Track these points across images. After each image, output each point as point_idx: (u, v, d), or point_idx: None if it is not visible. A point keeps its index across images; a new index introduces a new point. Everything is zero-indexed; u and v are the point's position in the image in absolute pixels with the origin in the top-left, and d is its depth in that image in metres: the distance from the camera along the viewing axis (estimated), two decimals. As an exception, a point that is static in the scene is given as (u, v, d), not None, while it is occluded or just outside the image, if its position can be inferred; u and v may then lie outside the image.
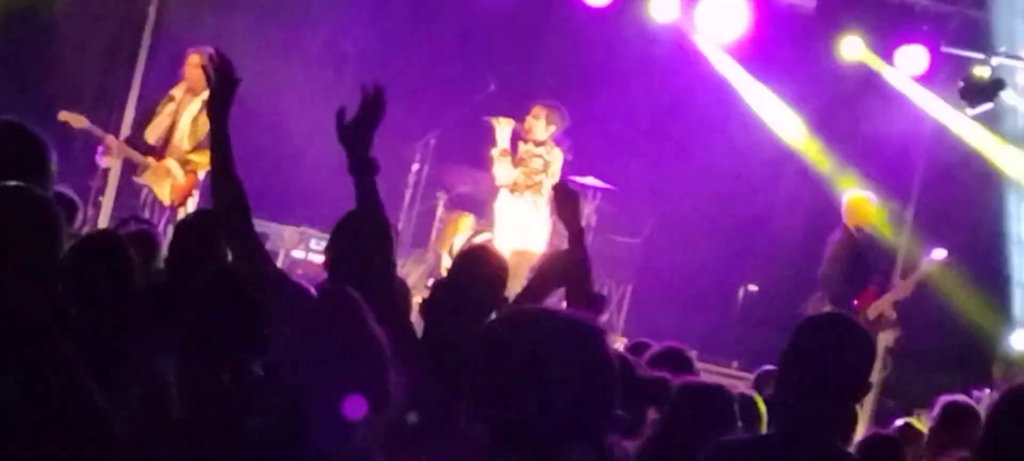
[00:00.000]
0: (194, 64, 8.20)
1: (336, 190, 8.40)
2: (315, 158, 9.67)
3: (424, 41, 10.34)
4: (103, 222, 8.81)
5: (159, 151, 8.48)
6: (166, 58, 10.09)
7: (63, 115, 8.86)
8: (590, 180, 9.37)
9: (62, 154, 9.54)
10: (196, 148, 8.44)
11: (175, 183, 8.35)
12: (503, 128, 8.62)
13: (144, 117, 8.82)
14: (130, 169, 9.04)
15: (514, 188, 8.66)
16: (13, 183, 2.60)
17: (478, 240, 8.58)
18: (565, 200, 3.98)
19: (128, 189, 9.17)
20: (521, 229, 8.55)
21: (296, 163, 9.86)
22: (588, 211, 9.21)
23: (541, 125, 8.57)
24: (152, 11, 10.33)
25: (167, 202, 8.43)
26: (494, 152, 8.64)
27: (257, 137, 8.76)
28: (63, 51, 10.13)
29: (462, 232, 8.80)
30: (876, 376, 9.35)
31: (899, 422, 5.88)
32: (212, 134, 3.55)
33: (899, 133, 10.25)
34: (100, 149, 8.88)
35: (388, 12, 10.54)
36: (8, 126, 3.26)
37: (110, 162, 8.71)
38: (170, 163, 8.42)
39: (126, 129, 9.71)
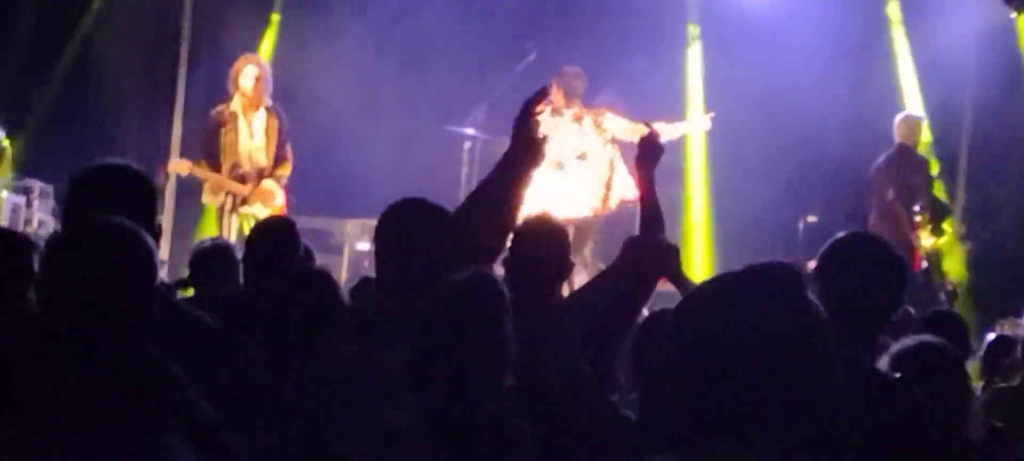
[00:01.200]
0: (250, 76, 8.25)
1: (389, 179, 8.70)
2: (366, 149, 10.20)
3: (461, 19, 10.44)
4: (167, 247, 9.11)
5: (248, 177, 8.43)
6: (203, 74, 10.45)
7: (171, 166, 9.14)
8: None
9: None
10: (277, 163, 8.46)
11: (278, 205, 8.35)
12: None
13: (214, 143, 8.62)
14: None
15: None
16: (128, 224, 2.67)
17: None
18: (651, 153, 4.03)
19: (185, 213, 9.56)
20: (561, 197, 8.63)
21: (349, 157, 10.00)
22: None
23: (559, 97, 8.62)
24: (186, 24, 10.52)
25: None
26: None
27: (309, 136, 9.08)
28: (101, 87, 10.51)
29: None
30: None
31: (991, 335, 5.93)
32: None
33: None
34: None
35: None
36: (120, 169, 3.34)
37: (216, 200, 8.58)
38: (267, 184, 8.39)
39: (174, 153, 9.95)
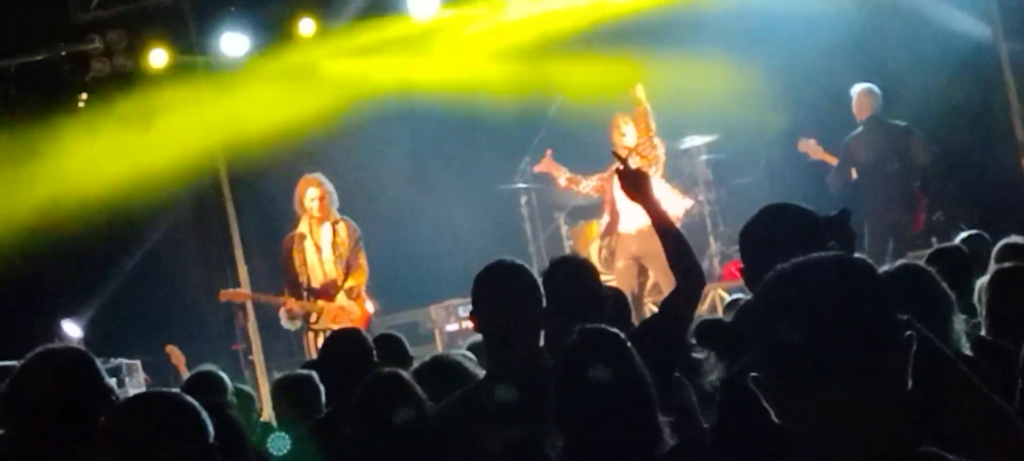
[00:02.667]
0: (313, 196, 8.72)
1: (460, 254, 9.11)
2: (430, 233, 10.93)
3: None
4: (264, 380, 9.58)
5: (321, 290, 8.88)
6: (256, 203, 11.20)
7: (224, 295, 9.84)
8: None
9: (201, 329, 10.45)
10: (348, 270, 8.87)
11: (353, 316, 8.76)
12: (627, 124, 9.13)
13: (287, 266, 9.26)
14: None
15: None
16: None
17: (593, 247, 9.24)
18: (632, 183, 4.21)
19: (273, 339, 10.04)
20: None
21: (416, 246, 10.68)
22: (701, 168, 9.80)
23: (631, 129, 9.19)
24: (221, 168, 11.22)
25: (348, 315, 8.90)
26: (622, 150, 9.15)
27: (376, 238, 9.53)
28: (159, 255, 11.33)
29: (594, 239, 9.34)
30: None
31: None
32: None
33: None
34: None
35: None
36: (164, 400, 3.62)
37: (293, 323, 9.12)
38: (340, 300, 8.83)
39: (244, 285, 10.53)
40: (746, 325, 2.38)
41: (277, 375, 7.34)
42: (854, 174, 10.29)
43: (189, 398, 2.83)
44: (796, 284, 1.95)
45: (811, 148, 10.43)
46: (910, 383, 1.92)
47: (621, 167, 4.31)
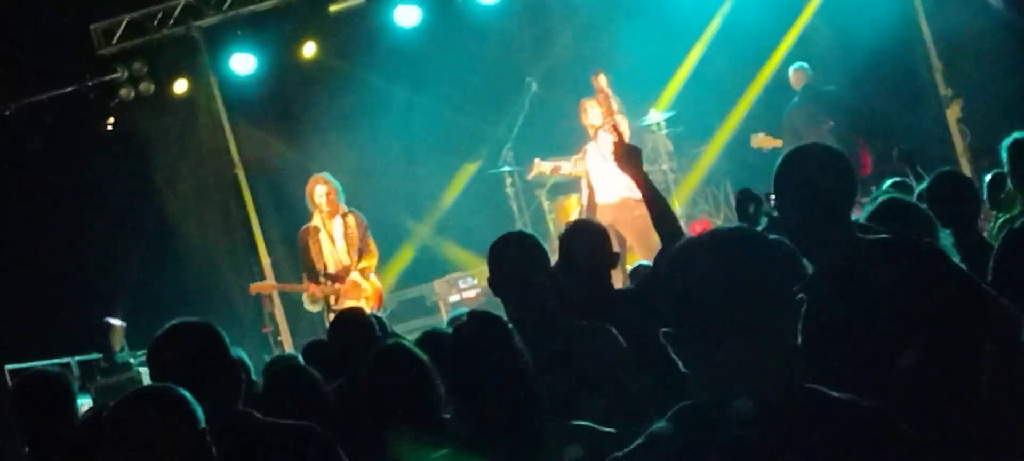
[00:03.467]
0: (322, 193, 9.40)
1: (456, 234, 10.14)
2: (427, 217, 11.76)
3: (464, 82, 12.00)
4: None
5: (337, 275, 9.59)
6: (273, 201, 12.12)
7: (254, 288, 10.63)
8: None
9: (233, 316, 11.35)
10: (360, 255, 9.56)
11: (367, 293, 9.44)
12: (593, 106, 9.77)
13: (305, 255, 9.86)
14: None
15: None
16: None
17: (573, 218, 10.09)
18: (626, 156, 4.58)
19: (297, 320, 10.99)
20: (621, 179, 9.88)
21: (416, 229, 11.59)
22: (663, 141, 11.02)
23: (596, 111, 9.83)
24: (240, 174, 12.19)
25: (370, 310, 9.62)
26: (591, 127, 9.94)
27: (381, 227, 10.47)
28: (190, 252, 12.24)
29: (574, 210, 10.17)
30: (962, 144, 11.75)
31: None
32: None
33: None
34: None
35: (420, 64, 12.19)
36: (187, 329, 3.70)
37: (316, 306, 9.84)
38: (354, 278, 9.53)
39: (269, 276, 11.53)
40: (659, 289, 2.56)
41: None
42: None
43: (181, 391, 2.95)
44: (705, 255, 2.13)
45: (761, 140, 11.26)
46: (799, 338, 2.11)
47: (617, 140, 4.66)
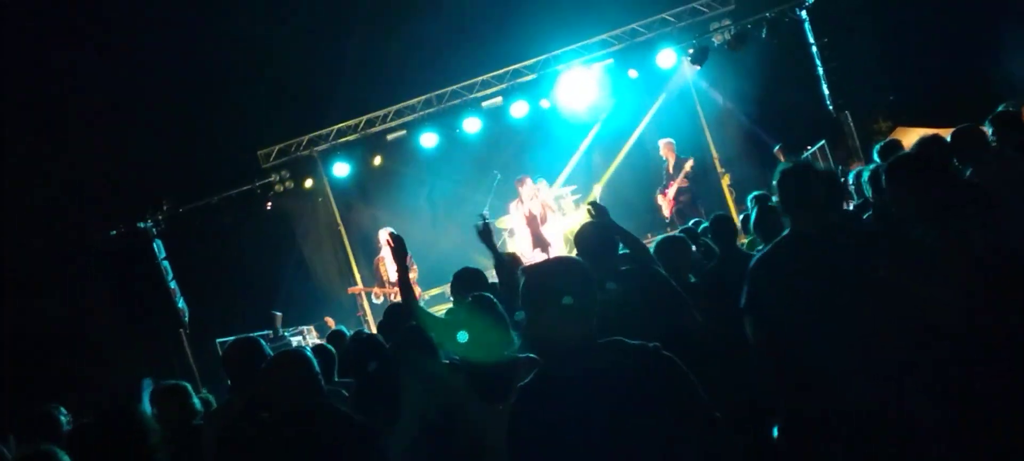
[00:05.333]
0: (385, 240, 12.62)
1: (451, 259, 12.61)
2: (430, 251, 15.41)
3: (458, 173, 16.57)
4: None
5: (393, 283, 13.30)
6: (360, 243, 17.02)
7: (350, 290, 15.30)
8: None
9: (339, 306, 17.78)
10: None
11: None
12: (522, 196, 13.74)
13: (376, 273, 14.13)
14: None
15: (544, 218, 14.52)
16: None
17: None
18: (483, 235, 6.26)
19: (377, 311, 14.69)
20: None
21: (430, 253, 15.40)
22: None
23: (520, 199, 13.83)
24: (342, 229, 17.00)
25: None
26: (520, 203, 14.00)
27: (413, 249, 14.52)
28: (314, 269, 17.17)
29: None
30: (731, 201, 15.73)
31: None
32: (399, 270, 6.01)
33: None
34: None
35: (436, 165, 16.47)
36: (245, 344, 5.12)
37: (379, 300, 13.73)
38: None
39: (359, 283, 16.21)
40: (521, 284, 3.38)
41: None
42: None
43: (308, 354, 4.17)
44: (545, 270, 3.37)
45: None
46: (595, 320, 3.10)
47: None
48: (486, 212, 12.19)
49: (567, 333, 3.39)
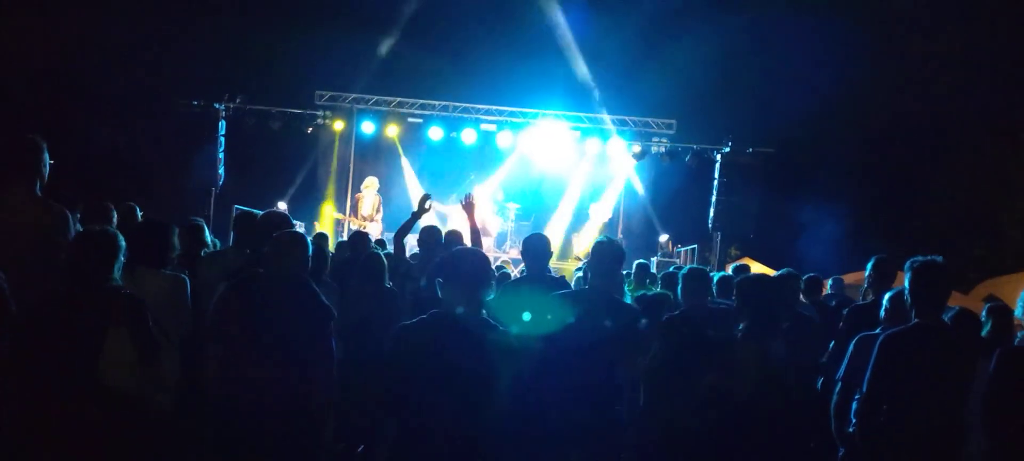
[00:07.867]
0: (367, 185, 18.03)
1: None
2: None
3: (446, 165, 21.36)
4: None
5: (366, 217, 16.85)
6: (344, 186, 21.37)
7: (337, 214, 18.85)
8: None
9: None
10: (376, 212, 16.89)
11: (376, 230, 16.32)
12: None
13: (356, 209, 17.25)
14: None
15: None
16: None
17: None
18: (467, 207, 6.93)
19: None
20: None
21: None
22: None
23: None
24: (351, 165, 21.59)
25: (371, 231, 15.70)
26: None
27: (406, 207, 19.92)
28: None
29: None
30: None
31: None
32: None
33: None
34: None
35: (435, 151, 19.88)
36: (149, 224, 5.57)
37: (354, 225, 16.79)
38: (372, 223, 16.61)
39: (347, 213, 19.41)
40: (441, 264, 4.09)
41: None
42: None
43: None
44: (459, 256, 4.16)
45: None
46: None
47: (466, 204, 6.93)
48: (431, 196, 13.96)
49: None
